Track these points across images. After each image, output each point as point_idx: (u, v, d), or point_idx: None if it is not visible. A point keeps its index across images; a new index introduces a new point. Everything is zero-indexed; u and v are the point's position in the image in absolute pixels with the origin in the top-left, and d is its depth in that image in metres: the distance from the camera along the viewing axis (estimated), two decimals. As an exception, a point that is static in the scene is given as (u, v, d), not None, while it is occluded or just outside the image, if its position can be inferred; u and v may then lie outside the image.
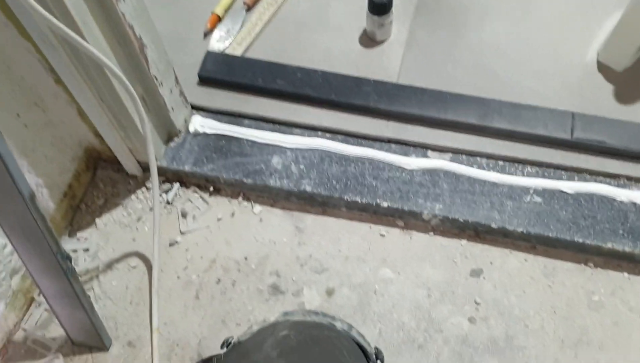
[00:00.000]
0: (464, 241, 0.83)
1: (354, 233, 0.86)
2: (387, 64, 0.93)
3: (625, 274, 0.79)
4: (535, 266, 0.81)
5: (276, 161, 0.87)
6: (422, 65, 0.93)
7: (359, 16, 0.94)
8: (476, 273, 0.81)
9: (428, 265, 0.82)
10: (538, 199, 0.82)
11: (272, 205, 0.89)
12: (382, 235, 0.85)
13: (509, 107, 0.85)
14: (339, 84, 0.89)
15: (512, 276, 0.80)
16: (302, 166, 0.87)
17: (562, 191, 0.82)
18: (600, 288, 0.79)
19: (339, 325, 0.68)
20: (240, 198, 0.90)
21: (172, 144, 0.89)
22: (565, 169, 0.83)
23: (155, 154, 0.79)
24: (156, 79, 0.77)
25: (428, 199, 0.83)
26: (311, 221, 0.87)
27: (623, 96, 0.87)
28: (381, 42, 0.95)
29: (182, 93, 0.86)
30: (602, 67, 0.90)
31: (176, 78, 0.83)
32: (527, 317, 0.77)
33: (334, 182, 0.85)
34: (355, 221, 0.87)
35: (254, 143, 0.89)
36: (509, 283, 0.80)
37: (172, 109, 0.84)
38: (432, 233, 0.84)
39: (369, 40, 0.95)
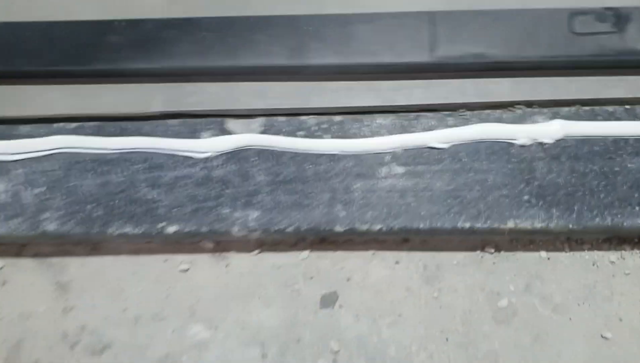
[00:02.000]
0: (305, 253, 0.55)
1: (142, 276, 0.56)
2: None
3: (543, 253, 0.53)
4: (411, 269, 0.54)
5: (-4, 191, 0.55)
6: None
7: None
8: (329, 300, 0.53)
9: (258, 303, 0.54)
10: (399, 169, 0.53)
11: (17, 254, 0.58)
12: (185, 270, 0.56)
13: (332, 25, 0.53)
14: (68, 41, 0.55)
15: (380, 294, 0.53)
16: (38, 190, 0.54)
17: (431, 148, 0.53)
18: (508, 285, 0.52)
19: None
20: (-36, 254, 0.58)
21: None
22: (431, 110, 0.54)
23: None
24: None
25: (237, 205, 0.52)
26: (77, 268, 0.57)
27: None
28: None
29: None
30: None
31: None
32: (408, 357, 0.51)
33: (90, 207, 0.53)
34: (142, 255, 0.57)
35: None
36: (377, 306, 0.53)
37: None
38: (257, 251, 0.55)
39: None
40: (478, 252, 0.54)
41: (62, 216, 0.53)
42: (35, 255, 0.58)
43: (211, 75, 0.55)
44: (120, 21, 0.55)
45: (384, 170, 0.53)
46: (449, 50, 0.52)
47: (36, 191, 0.54)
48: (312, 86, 0.54)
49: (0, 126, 0.57)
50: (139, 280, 0.56)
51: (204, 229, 0.52)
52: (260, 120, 0.55)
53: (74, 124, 0.56)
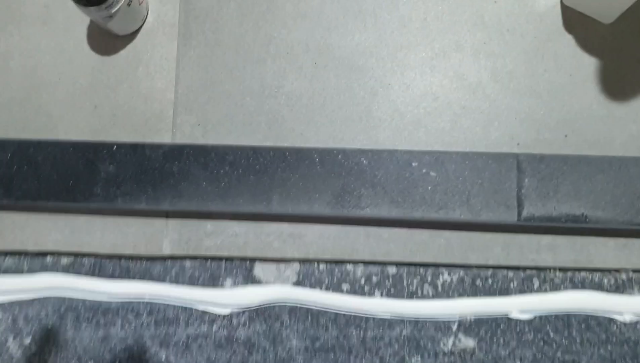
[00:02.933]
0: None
1: None
2: (152, 85, 0.46)
3: None
4: None
5: (-29, 339, 0.45)
6: (209, 73, 0.46)
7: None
8: None
9: None
10: (468, 342, 0.42)
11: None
12: None
13: (389, 163, 0.42)
14: (59, 167, 0.44)
15: None
16: (24, 341, 0.45)
17: (510, 319, 0.42)
18: None
19: None
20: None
21: None
22: (512, 268, 0.43)
23: None
24: None
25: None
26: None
27: (612, 74, 0.43)
28: (130, 36, 0.47)
29: None
30: (573, 19, 0.44)
31: None
32: None
33: (87, 364, 0.44)
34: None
35: None
36: None
37: None
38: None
39: (107, 37, 0.47)
40: None
41: (52, 374, 0.44)
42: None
43: (237, 216, 0.44)
44: (122, 145, 0.44)
45: (449, 342, 0.42)
46: (539, 208, 0.40)
47: (26, 340, 0.45)
48: (362, 230, 0.43)
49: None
50: None
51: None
52: (294, 266, 0.44)
53: (67, 259, 0.46)
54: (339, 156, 0.42)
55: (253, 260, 0.44)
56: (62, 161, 0.43)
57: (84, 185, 0.43)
